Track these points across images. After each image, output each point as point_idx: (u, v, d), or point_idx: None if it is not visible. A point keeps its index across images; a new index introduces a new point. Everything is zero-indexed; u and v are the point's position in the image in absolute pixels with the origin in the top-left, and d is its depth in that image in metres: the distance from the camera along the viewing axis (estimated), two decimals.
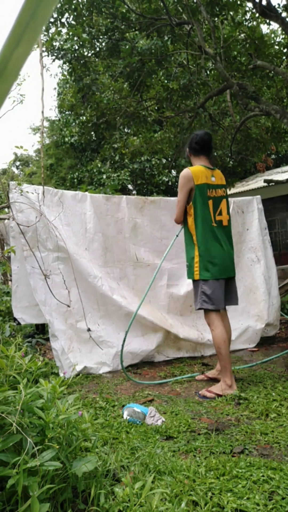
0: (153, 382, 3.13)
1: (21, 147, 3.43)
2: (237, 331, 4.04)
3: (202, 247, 2.86)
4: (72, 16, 6.17)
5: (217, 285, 2.87)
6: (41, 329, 4.38)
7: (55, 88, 14.15)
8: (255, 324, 4.18)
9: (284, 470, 1.61)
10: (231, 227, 3.07)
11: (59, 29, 6.35)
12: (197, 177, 2.89)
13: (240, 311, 4.10)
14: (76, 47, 6.47)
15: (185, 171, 2.93)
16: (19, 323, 3.43)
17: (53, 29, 6.35)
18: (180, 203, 2.93)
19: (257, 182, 12.57)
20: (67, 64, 6.90)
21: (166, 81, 7.40)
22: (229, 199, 4.29)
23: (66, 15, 6.16)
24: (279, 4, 5.75)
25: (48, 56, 6.61)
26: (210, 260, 2.85)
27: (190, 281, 3.88)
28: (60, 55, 6.46)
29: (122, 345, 3.13)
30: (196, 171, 2.91)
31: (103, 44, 6.83)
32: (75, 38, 6.25)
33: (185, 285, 4.03)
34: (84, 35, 6.23)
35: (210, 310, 2.83)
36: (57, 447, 1.31)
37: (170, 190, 14.72)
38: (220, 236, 2.91)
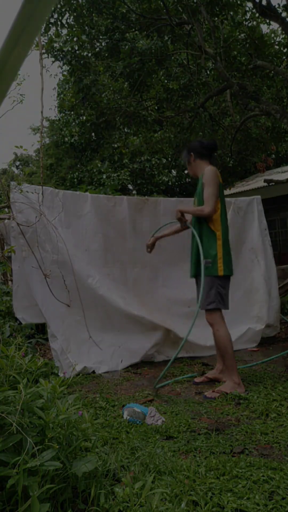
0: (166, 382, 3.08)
1: (21, 147, 3.43)
2: (237, 332, 4.03)
3: (225, 244, 2.90)
4: (72, 17, 6.17)
5: (229, 282, 2.94)
6: (41, 329, 4.39)
7: (54, 88, 14.14)
8: (256, 325, 4.17)
9: (284, 470, 1.61)
10: None
11: (59, 30, 6.35)
12: (219, 176, 2.97)
13: (240, 312, 4.09)
14: (76, 48, 6.47)
15: (212, 168, 2.96)
16: (20, 323, 3.44)
17: (53, 30, 6.35)
18: (215, 196, 2.87)
19: (257, 182, 12.55)
20: (67, 64, 6.91)
21: (166, 81, 7.41)
22: (229, 199, 4.29)
23: (66, 15, 6.16)
24: (279, 4, 5.75)
25: (48, 57, 6.61)
26: (229, 257, 2.92)
27: (190, 281, 3.88)
28: (60, 56, 6.47)
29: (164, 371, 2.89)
30: (217, 170, 2.97)
31: (103, 44, 6.83)
32: (75, 39, 6.25)
33: (185, 285, 4.03)
34: (84, 37, 6.24)
35: (216, 309, 2.83)
36: (57, 447, 1.31)
37: (170, 190, 14.71)
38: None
